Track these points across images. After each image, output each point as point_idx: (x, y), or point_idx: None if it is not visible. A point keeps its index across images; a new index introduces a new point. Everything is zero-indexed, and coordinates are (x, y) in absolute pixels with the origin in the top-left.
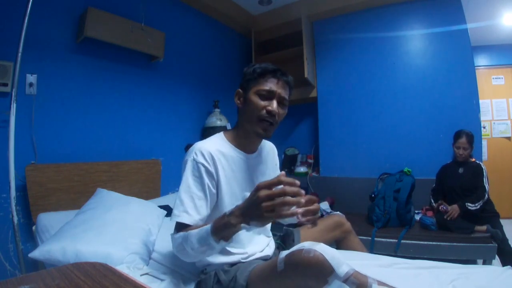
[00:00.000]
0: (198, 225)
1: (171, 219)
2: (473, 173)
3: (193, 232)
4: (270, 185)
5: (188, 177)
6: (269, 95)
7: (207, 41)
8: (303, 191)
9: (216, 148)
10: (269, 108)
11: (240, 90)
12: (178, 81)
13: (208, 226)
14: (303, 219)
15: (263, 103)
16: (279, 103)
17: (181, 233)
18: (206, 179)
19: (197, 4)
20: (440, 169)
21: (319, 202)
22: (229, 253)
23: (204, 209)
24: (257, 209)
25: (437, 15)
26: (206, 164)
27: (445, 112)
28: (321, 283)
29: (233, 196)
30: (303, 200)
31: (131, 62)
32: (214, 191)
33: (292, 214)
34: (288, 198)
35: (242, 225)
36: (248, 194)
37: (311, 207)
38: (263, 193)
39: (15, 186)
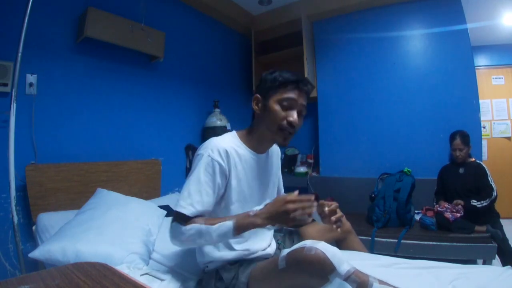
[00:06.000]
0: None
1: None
2: (476, 174)
3: (213, 227)
4: (295, 200)
5: (200, 172)
6: (290, 105)
7: (207, 41)
8: (315, 203)
9: (230, 146)
10: (290, 119)
11: (258, 95)
12: (178, 81)
13: (230, 223)
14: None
15: (284, 113)
16: (298, 113)
17: (194, 226)
18: (218, 178)
19: (197, 4)
20: (440, 171)
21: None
22: (232, 249)
23: (209, 206)
24: (285, 217)
25: (437, 15)
26: (221, 162)
27: (445, 112)
28: (323, 281)
29: (240, 193)
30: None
31: (131, 62)
32: (222, 190)
33: (306, 220)
34: (306, 211)
35: (268, 226)
36: (268, 201)
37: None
38: (292, 206)
39: (15, 186)
